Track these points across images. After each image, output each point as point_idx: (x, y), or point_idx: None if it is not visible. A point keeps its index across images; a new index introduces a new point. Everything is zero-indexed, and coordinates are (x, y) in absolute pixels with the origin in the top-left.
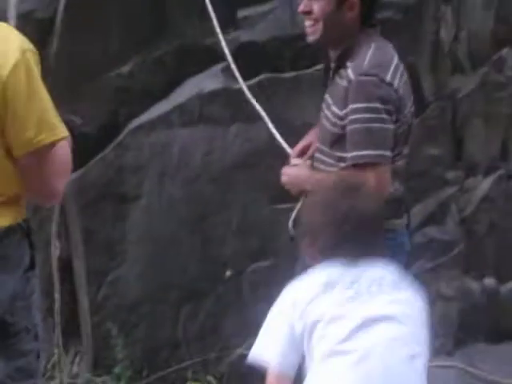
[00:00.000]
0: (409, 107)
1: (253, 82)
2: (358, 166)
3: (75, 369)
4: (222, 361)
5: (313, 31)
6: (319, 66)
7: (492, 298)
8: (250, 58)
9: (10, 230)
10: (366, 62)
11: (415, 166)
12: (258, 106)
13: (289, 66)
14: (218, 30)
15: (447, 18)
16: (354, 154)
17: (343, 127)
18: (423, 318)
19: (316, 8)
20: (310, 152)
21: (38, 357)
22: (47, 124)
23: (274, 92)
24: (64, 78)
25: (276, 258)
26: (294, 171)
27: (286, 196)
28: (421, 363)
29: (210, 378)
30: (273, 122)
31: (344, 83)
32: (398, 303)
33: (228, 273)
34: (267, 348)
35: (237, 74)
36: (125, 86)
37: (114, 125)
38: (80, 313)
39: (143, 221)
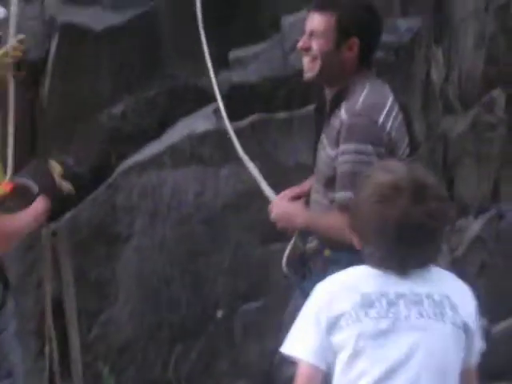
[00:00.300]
0: (403, 149)
1: (245, 122)
2: (343, 207)
3: None
4: None
5: (310, 68)
6: (311, 107)
7: (483, 338)
8: (242, 99)
9: None
10: (359, 103)
11: None
12: (240, 151)
13: (281, 107)
14: (210, 68)
15: (438, 58)
16: (339, 195)
17: (335, 168)
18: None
19: (315, 45)
20: (294, 194)
21: None
22: None
23: (266, 132)
24: (56, 118)
25: (267, 299)
26: (283, 206)
27: (278, 236)
28: None
29: None
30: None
31: (337, 124)
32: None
33: (219, 313)
34: (298, 342)
35: (223, 113)
36: (117, 127)
37: (105, 165)
38: (71, 353)
39: (135, 261)
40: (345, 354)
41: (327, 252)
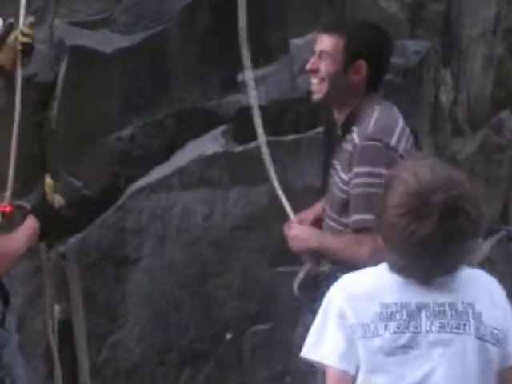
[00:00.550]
0: None
1: (253, 144)
2: (358, 230)
3: None
4: None
5: (318, 90)
6: (319, 129)
7: None
8: (251, 121)
9: None
10: (370, 127)
11: None
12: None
13: (289, 129)
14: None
15: (447, 81)
16: (354, 218)
17: (348, 192)
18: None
19: (323, 67)
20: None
21: None
22: None
23: (274, 155)
24: (65, 140)
25: (276, 321)
26: (298, 229)
27: (287, 259)
28: None
29: None
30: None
31: (349, 148)
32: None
33: (228, 335)
34: (323, 347)
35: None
36: (125, 149)
37: (114, 188)
38: (80, 376)
39: (144, 283)
40: (362, 368)
41: (341, 275)
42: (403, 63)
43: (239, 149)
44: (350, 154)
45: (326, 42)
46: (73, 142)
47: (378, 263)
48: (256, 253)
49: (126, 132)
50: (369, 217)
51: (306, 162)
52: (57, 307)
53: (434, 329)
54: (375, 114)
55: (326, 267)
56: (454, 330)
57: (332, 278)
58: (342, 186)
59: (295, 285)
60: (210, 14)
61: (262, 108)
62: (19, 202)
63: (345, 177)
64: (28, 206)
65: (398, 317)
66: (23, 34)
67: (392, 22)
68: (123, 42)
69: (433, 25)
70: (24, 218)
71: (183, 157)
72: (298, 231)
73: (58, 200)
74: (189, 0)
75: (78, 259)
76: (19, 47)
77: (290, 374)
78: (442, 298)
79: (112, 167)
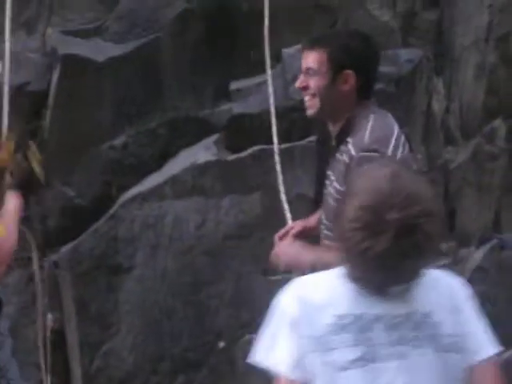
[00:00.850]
0: None
1: (246, 153)
2: None
3: None
4: None
5: (311, 105)
6: (312, 138)
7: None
8: (243, 130)
9: None
10: (366, 137)
11: None
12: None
13: (282, 138)
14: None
15: (439, 89)
16: None
17: None
18: None
19: (312, 84)
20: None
21: None
22: None
23: (267, 163)
24: (57, 149)
25: None
26: (288, 248)
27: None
28: None
29: None
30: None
31: (345, 159)
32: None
33: (221, 344)
34: (277, 354)
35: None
36: (118, 158)
37: (107, 196)
38: None
39: (136, 292)
40: (317, 382)
41: None
42: (396, 72)
43: (232, 157)
44: (345, 165)
45: (310, 58)
46: (65, 150)
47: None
48: (248, 261)
49: (118, 141)
50: None
51: (299, 171)
52: (49, 316)
53: (390, 341)
54: (370, 124)
55: None
56: (411, 342)
57: None
58: (337, 196)
59: None
60: (202, 24)
61: (255, 116)
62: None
63: (340, 187)
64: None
65: (352, 329)
66: None
67: (385, 30)
68: (115, 50)
69: (425, 33)
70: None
71: (176, 165)
72: (289, 252)
73: (40, 173)
74: (181, 9)
75: (71, 268)
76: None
77: None
78: (399, 309)
79: (104, 176)
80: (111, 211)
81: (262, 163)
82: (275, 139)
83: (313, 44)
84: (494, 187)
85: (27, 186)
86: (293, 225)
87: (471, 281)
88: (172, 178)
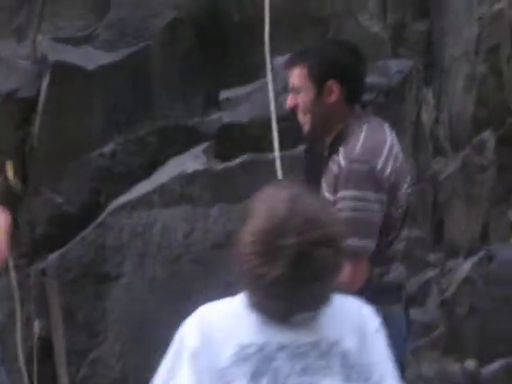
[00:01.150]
0: (404, 189)
1: (235, 162)
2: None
3: None
4: None
5: (304, 122)
6: (302, 147)
7: (472, 380)
8: (233, 139)
9: None
10: (357, 148)
11: None
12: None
13: (271, 147)
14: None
15: (428, 100)
16: None
17: None
18: None
19: (300, 101)
20: None
21: None
22: None
23: (256, 173)
24: (46, 156)
25: None
26: None
27: None
28: None
29: None
30: None
31: (335, 169)
32: None
33: None
34: None
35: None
36: (107, 166)
37: (95, 204)
38: None
39: (124, 300)
40: None
41: None
42: (386, 82)
43: (220, 166)
44: (335, 176)
45: (293, 76)
46: (54, 157)
47: (358, 288)
48: (237, 270)
49: (107, 148)
50: (354, 241)
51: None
52: (36, 323)
53: (295, 371)
54: (362, 135)
55: None
56: (317, 372)
57: None
58: None
59: None
60: (192, 32)
61: (244, 126)
62: None
63: (330, 197)
64: None
65: (256, 359)
66: None
67: (375, 41)
68: (106, 58)
69: (415, 44)
70: None
71: (164, 174)
72: None
73: (17, 185)
74: (170, 18)
75: (58, 276)
76: None
77: None
78: (304, 337)
79: (93, 183)
80: (99, 219)
81: (251, 172)
82: (276, 144)
83: (293, 60)
84: (483, 199)
85: (5, 200)
86: None
87: (459, 292)
88: (161, 186)
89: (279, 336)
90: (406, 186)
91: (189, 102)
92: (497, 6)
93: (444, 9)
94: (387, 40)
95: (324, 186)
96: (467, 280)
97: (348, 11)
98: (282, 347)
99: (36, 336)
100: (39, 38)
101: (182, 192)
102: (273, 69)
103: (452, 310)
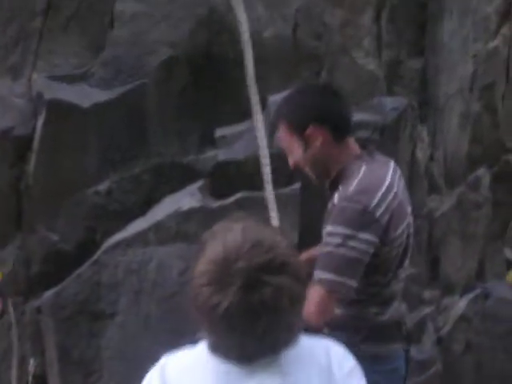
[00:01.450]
0: (401, 229)
1: (230, 200)
2: (317, 287)
3: None
4: None
5: (310, 175)
6: (296, 185)
7: None
8: (228, 177)
9: None
10: (352, 188)
11: None
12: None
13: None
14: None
15: (423, 137)
16: (317, 272)
17: None
18: None
19: (295, 158)
20: None
21: None
22: None
23: (251, 210)
24: (42, 194)
25: None
26: None
27: None
28: None
29: None
30: None
31: (329, 207)
32: None
33: None
34: None
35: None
36: (102, 204)
37: (90, 242)
38: None
39: (119, 338)
40: None
41: (326, 330)
42: (380, 120)
43: (216, 204)
44: (328, 213)
45: (280, 137)
46: (50, 195)
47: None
48: None
49: (102, 186)
50: (330, 277)
51: (282, 218)
52: (31, 361)
53: None
54: (360, 175)
55: None
56: None
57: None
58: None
59: None
60: (187, 70)
61: (238, 163)
62: None
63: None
64: None
65: None
66: None
67: (370, 79)
68: (101, 96)
69: (410, 82)
70: None
71: (160, 211)
72: None
73: None
74: (166, 56)
75: (53, 313)
76: None
77: None
78: (268, 383)
79: (88, 221)
80: (95, 257)
81: (246, 210)
82: (269, 180)
83: (274, 123)
84: (479, 236)
85: None
86: None
87: (455, 329)
88: (156, 224)
89: (241, 383)
90: (404, 226)
91: (184, 139)
92: (492, 44)
93: (439, 46)
94: (382, 78)
95: (324, 225)
96: (463, 317)
97: (343, 48)
98: None
99: (31, 374)
100: (34, 76)
101: (177, 229)
102: (267, 106)
103: (448, 347)
